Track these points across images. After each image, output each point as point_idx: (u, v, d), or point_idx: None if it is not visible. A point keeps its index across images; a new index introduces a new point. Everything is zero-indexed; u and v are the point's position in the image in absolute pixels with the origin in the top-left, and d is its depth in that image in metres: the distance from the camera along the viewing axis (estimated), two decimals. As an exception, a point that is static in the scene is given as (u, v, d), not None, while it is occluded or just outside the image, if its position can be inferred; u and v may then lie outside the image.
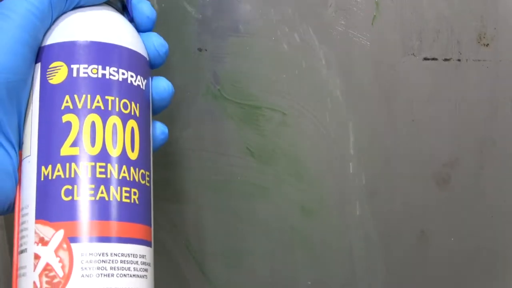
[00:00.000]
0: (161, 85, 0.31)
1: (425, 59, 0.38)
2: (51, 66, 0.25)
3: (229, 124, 0.41)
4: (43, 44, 0.26)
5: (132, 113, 0.26)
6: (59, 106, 0.25)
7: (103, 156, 0.25)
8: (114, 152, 0.25)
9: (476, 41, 0.38)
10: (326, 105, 0.39)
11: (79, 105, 0.25)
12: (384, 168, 0.40)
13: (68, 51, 0.25)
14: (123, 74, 0.26)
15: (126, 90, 0.26)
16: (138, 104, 0.27)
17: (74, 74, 0.25)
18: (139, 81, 0.27)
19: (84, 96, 0.25)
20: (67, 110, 0.25)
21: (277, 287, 0.43)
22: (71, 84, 0.25)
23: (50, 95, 0.25)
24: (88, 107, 0.25)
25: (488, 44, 0.38)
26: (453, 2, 0.37)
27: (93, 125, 0.25)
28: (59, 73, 0.25)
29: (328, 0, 0.37)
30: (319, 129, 0.40)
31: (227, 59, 0.40)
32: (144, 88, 0.28)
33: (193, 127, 0.42)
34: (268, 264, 0.42)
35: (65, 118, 0.25)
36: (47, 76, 0.25)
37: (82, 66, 0.25)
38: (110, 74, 0.26)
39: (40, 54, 0.26)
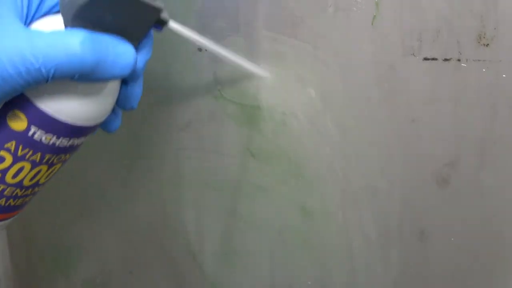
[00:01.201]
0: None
1: (425, 59, 0.38)
2: (16, 112, 0.28)
3: (229, 124, 0.41)
4: (29, 97, 0.28)
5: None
6: (4, 142, 0.28)
7: None
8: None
9: (476, 41, 0.38)
10: (326, 105, 0.39)
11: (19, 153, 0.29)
12: (384, 168, 0.40)
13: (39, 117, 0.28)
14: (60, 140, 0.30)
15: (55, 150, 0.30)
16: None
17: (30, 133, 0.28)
18: (68, 141, 0.30)
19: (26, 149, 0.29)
20: (7, 150, 0.28)
21: (277, 287, 0.43)
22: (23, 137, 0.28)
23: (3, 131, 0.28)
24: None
25: (488, 44, 0.38)
26: (453, 2, 0.37)
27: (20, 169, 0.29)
28: (20, 119, 0.28)
29: (328, 0, 0.37)
30: (319, 129, 0.40)
31: (227, 59, 0.40)
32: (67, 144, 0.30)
33: (193, 127, 0.42)
34: (268, 264, 0.42)
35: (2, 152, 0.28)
36: (8, 117, 0.28)
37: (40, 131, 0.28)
38: (59, 142, 0.29)
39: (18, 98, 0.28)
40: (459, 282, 0.42)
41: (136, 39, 0.29)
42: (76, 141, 0.30)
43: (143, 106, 0.43)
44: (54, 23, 0.28)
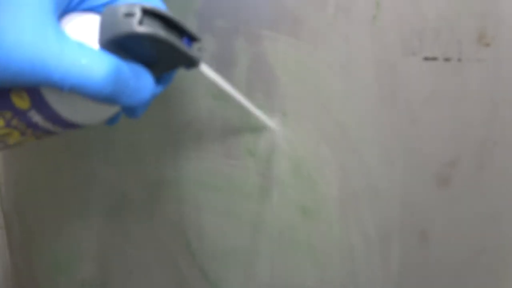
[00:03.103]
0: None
1: (426, 59, 0.38)
2: (21, 92, 0.27)
3: (229, 124, 0.41)
4: None
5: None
6: (1, 108, 0.28)
7: None
8: None
9: (476, 41, 0.38)
10: (326, 105, 0.39)
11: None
12: (384, 168, 0.40)
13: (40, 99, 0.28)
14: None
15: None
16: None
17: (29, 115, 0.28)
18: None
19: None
20: (2, 115, 0.28)
21: (277, 287, 0.43)
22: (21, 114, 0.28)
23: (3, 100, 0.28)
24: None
25: (488, 44, 0.38)
26: (454, 2, 0.37)
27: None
28: (24, 100, 0.28)
29: (328, 0, 0.37)
30: (319, 129, 0.40)
31: (227, 59, 0.40)
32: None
33: (193, 127, 0.42)
34: (268, 264, 0.42)
35: None
36: (12, 91, 0.27)
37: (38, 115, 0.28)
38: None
39: None
40: (459, 282, 0.42)
41: (160, 72, 0.29)
42: (70, 130, 0.31)
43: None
44: (86, 27, 0.27)
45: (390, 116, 0.39)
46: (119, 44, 0.26)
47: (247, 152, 0.41)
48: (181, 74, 0.41)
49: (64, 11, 0.27)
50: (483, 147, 0.39)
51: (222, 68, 0.40)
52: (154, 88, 0.28)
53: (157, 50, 0.27)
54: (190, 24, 0.40)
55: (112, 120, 0.33)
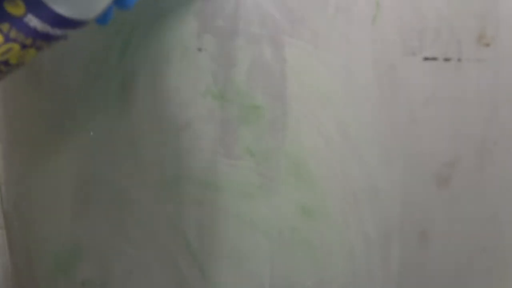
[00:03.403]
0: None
1: (426, 59, 0.38)
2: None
3: (229, 124, 0.41)
4: None
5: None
6: None
7: None
8: None
9: (476, 41, 0.38)
10: (326, 105, 0.39)
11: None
12: (384, 168, 0.40)
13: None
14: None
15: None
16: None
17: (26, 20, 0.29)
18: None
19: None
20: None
21: (277, 287, 0.43)
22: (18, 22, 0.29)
23: None
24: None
25: (488, 44, 0.38)
26: (453, 2, 0.37)
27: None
28: (18, 6, 0.29)
29: (328, 0, 0.37)
30: (319, 129, 0.40)
31: (227, 59, 0.40)
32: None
33: (193, 127, 0.42)
34: (268, 264, 0.42)
35: None
36: (5, 1, 0.28)
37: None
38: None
39: None
40: (459, 282, 0.42)
41: None
42: (68, 31, 0.31)
43: (143, 106, 0.43)
44: None
45: (390, 116, 0.39)
46: None
47: (247, 152, 0.41)
48: (181, 73, 0.41)
49: None
50: (483, 147, 0.39)
51: (222, 68, 0.40)
52: None
53: None
54: (190, 24, 0.40)
55: (104, 17, 0.34)
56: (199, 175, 0.42)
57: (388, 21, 0.37)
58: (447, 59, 0.38)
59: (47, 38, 0.30)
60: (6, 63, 0.30)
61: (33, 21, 0.29)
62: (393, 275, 0.42)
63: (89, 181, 0.48)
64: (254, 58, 0.39)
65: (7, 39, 0.29)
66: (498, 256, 0.41)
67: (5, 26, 0.29)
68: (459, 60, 0.38)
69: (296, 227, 0.41)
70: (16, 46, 0.30)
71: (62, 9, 0.29)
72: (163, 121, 0.43)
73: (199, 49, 0.40)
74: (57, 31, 0.30)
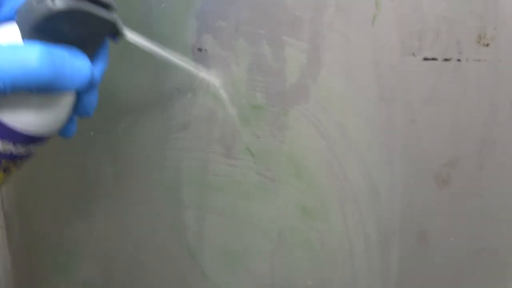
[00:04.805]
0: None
1: (425, 59, 0.38)
2: None
3: (229, 124, 0.41)
4: None
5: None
6: None
7: None
8: None
9: (476, 41, 0.38)
10: (326, 105, 0.39)
11: None
12: (384, 168, 0.40)
13: None
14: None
15: None
16: None
17: None
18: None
19: None
20: None
21: (277, 287, 0.43)
22: None
23: None
24: None
25: (488, 44, 0.38)
26: (453, 2, 0.37)
27: None
28: None
29: (328, 0, 0.37)
30: (319, 129, 0.40)
31: (227, 59, 0.40)
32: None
33: (193, 127, 0.42)
34: (268, 264, 0.42)
35: None
36: None
37: None
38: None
39: None
40: (459, 282, 0.42)
41: (92, 50, 0.30)
42: (33, 148, 0.31)
43: (143, 106, 0.43)
44: (10, 34, 0.28)
45: (390, 116, 0.39)
46: (42, 31, 0.27)
47: (247, 152, 0.41)
48: (180, 73, 0.41)
49: None
50: (483, 147, 0.39)
51: (222, 68, 0.40)
52: (91, 67, 0.29)
53: (78, 25, 0.28)
54: (190, 24, 0.40)
55: (67, 129, 0.33)
56: (199, 175, 0.43)
57: (388, 21, 0.37)
58: (446, 60, 0.38)
59: (11, 157, 0.30)
60: None
61: None
62: (393, 275, 0.42)
63: (89, 180, 0.48)
64: (254, 58, 0.40)
65: None
66: (498, 256, 0.41)
67: None
68: (458, 60, 0.38)
69: (296, 227, 0.41)
70: None
71: (19, 124, 0.29)
72: (163, 121, 0.43)
73: (199, 49, 0.40)
74: (20, 149, 0.30)
